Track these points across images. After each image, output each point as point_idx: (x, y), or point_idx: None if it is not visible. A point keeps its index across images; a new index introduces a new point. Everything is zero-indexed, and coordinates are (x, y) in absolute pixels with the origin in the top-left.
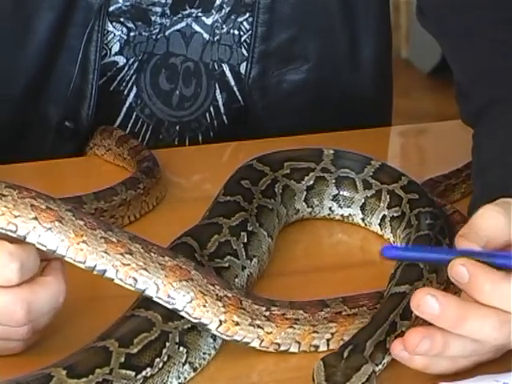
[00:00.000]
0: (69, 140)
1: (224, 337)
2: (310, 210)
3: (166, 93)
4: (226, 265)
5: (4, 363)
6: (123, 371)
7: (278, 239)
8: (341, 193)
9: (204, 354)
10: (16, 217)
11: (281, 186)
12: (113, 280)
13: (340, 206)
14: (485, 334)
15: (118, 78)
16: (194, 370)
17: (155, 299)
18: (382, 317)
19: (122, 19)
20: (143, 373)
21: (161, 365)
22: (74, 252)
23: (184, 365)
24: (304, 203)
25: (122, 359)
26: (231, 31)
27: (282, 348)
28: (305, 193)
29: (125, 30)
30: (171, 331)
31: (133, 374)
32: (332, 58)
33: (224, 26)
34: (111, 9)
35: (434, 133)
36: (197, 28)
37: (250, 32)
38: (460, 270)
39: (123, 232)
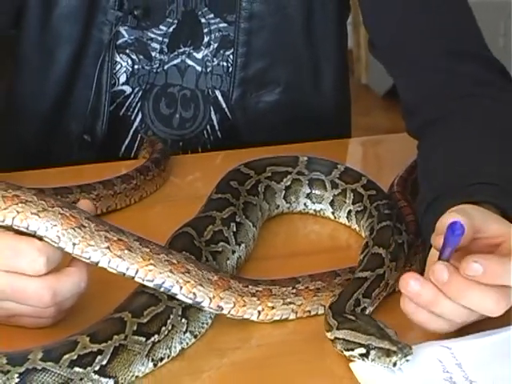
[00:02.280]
0: (87, 150)
1: (265, 321)
2: (288, 205)
3: (166, 117)
4: (220, 249)
5: (38, 334)
6: (136, 337)
7: (262, 230)
8: (313, 191)
9: (202, 323)
10: (90, 245)
11: (263, 186)
12: (176, 295)
13: (313, 203)
14: (484, 307)
15: (126, 104)
16: (195, 336)
17: (207, 309)
18: (347, 294)
19: (127, 51)
20: (152, 339)
21: (166, 332)
22: (144, 273)
23: (185, 333)
24: (283, 200)
25: (135, 327)
26: (221, 63)
27: (312, 313)
28: (284, 191)
29: (130, 61)
30: (175, 306)
31: (143, 339)
32: (299, 83)
33: (215, 59)
34: (118, 42)
35: (389, 143)
36: (190, 62)
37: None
38: (474, 265)
39: (178, 254)
